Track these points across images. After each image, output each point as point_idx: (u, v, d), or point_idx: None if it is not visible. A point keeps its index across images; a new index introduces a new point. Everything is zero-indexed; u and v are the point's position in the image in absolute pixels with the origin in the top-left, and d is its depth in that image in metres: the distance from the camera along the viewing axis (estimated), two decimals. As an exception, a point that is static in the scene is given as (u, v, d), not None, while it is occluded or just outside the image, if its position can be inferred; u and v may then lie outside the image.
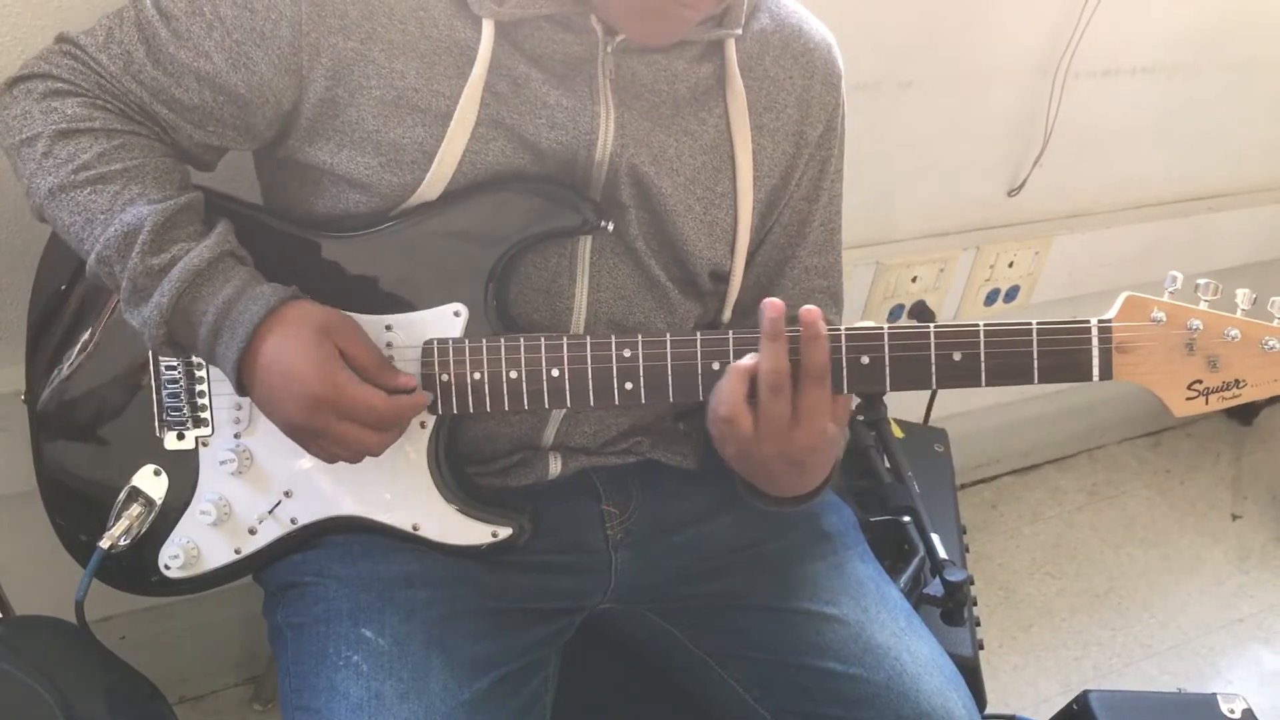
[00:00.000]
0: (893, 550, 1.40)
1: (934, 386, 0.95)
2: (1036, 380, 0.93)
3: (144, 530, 1.02)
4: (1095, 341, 0.93)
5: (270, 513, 1.02)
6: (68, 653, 1.06)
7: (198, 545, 1.03)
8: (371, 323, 0.98)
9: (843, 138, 1.14)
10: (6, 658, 1.02)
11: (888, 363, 0.94)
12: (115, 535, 1.00)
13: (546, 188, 0.99)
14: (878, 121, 1.71)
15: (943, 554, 1.38)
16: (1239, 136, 2.19)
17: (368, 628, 0.99)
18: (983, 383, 0.93)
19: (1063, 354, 0.93)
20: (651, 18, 0.94)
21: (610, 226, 1.00)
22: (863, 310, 1.85)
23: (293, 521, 1.03)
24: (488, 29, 0.95)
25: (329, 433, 0.92)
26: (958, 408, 2.12)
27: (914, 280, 1.86)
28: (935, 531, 1.42)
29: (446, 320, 0.98)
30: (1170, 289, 0.94)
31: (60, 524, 1.07)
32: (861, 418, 1.61)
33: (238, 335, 0.90)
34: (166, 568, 1.04)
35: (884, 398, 1.61)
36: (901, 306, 1.88)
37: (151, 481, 1.02)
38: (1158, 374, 0.94)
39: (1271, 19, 2.05)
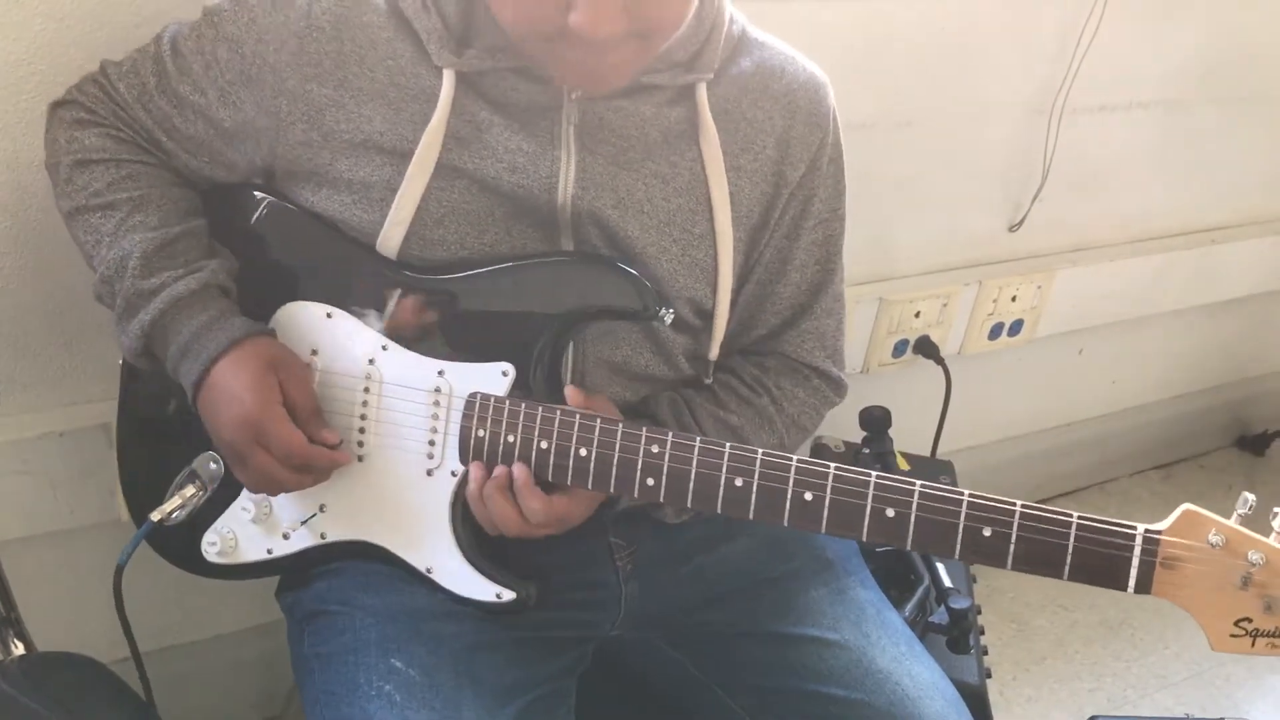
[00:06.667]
0: (898, 580, 1.42)
1: (956, 557, 0.90)
2: (1065, 577, 0.87)
3: (195, 510, 1.05)
4: (1138, 551, 0.85)
5: (304, 523, 1.06)
6: (89, 689, 1.08)
7: (236, 537, 1.08)
8: (426, 365, 1.02)
9: (835, 177, 1.14)
10: (29, 693, 1.04)
11: (912, 520, 0.90)
12: (167, 510, 1.04)
13: (612, 268, 1.02)
14: (877, 160, 1.75)
15: (948, 582, 1.40)
16: (1238, 169, 2.22)
17: (397, 658, 1.01)
18: (1008, 566, 0.88)
19: (1098, 555, 0.86)
20: (587, 74, 0.95)
21: (669, 317, 1.02)
22: (867, 345, 1.87)
23: (322, 536, 1.06)
24: (448, 78, 0.99)
25: (251, 458, 0.98)
26: (966, 441, 2.14)
27: (917, 315, 1.88)
28: (940, 561, 1.44)
29: (494, 378, 1.00)
30: (1240, 510, 0.85)
31: (128, 487, 1.15)
32: (867, 450, 1.63)
33: (200, 359, 0.98)
34: (206, 551, 1.10)
35: (889, 430, 1.64)
36: (906, 341, 1.90)
37: (209, 468, 1.05)
38: (1202, 602, 0.85)
39: (1266, 54, 2.09)
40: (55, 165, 1.05)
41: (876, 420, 1.63)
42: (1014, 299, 1.99)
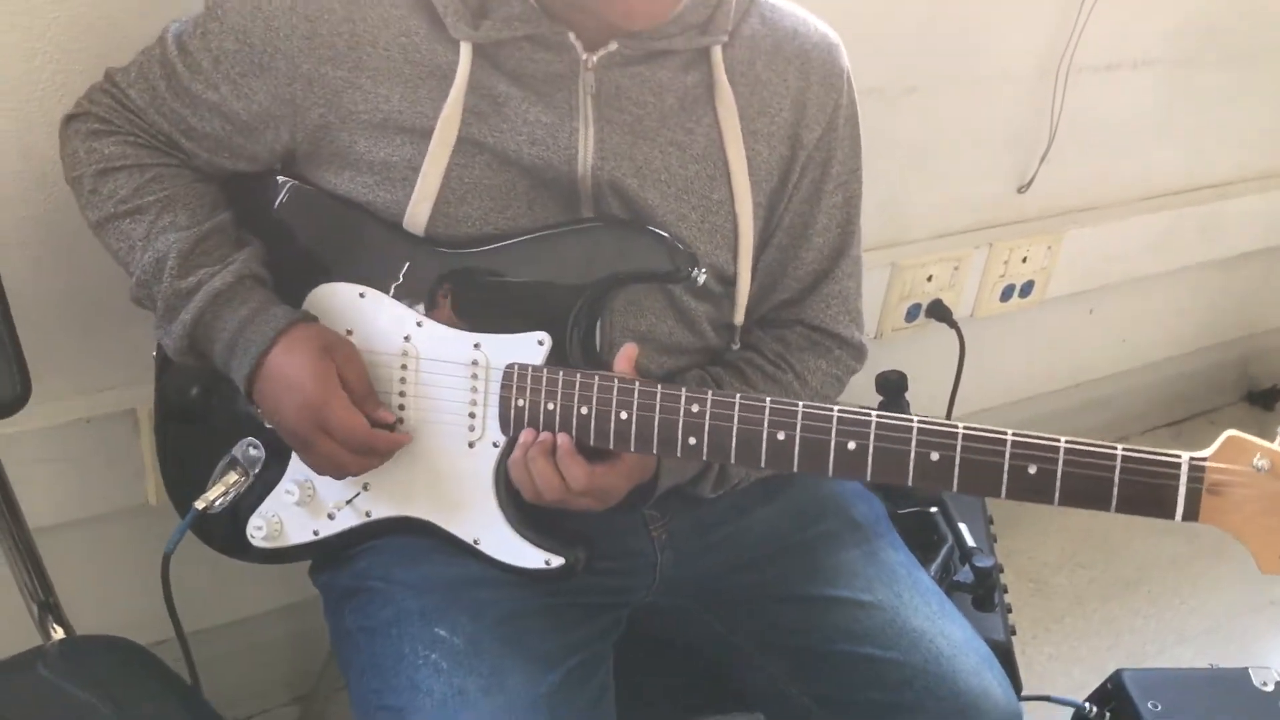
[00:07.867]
0: (922, 541, 1.43)
1: (1003, 496, 0.89)
2: (1113, 509, 0.87)
3: (239, 496, 1.07)
4: (1184, 479, 0.85)
5: (349, 502, 1.07)
6: (130, 672, 1.09)
7: (281, 521, 1.09)
8: (462, 338, 1.02)
9: (852, 138, 1.14)
10: (66, 675, 1.06)
11: (957, 462, 0.89)
12: (210, 498, 1.05)
13: (642, 231, 1.02)
14: (885, 125, 1.74)
15: (971, 542, 1.41)
16: (1245, 125, 2.22)
17: (441, 627, 1.02)
18: (1055, 502, 0.87)
19: (1146, 486, 0.85)
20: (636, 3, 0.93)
21: (702, 277, 1.01)
22: (880, 311, 1.88)
23: (367, 514, 1.07)
24: (465, 51, 0.99)
25: (316, 444, 0.98)
26: (980, 403, 2.15)
27: (929, 279, 1.89)
28: (962, 521, 1.45)
29: (530, 347, 1.01)
30: None
31: (169, 477, 1.15)
32: (885, 415, 1.63)
33: (250, 354, 0.98)
34: (252, 536, 1.10)
35: (905, 394, 1.64)
36: (919, 306, 1.91)
37: (250, 454, 1.07)
38: (1251, 526, 0.84)
39: (1270, 9, 2.08)
40: (78, 178, 1.05)
41: (893, 385, 1.63)
42: (1024, 260, 2.00)
